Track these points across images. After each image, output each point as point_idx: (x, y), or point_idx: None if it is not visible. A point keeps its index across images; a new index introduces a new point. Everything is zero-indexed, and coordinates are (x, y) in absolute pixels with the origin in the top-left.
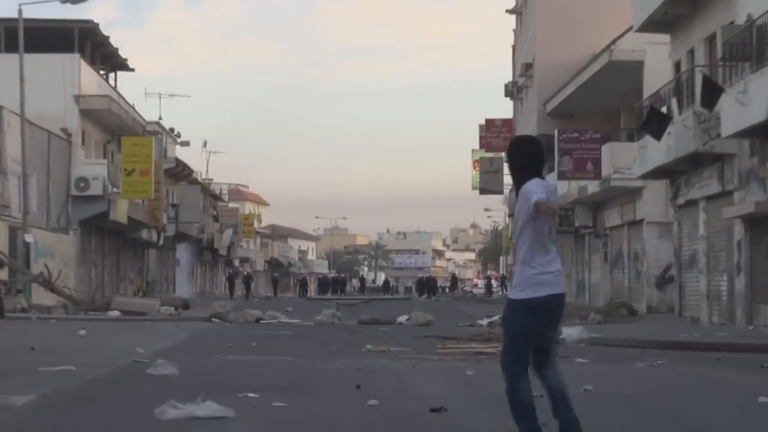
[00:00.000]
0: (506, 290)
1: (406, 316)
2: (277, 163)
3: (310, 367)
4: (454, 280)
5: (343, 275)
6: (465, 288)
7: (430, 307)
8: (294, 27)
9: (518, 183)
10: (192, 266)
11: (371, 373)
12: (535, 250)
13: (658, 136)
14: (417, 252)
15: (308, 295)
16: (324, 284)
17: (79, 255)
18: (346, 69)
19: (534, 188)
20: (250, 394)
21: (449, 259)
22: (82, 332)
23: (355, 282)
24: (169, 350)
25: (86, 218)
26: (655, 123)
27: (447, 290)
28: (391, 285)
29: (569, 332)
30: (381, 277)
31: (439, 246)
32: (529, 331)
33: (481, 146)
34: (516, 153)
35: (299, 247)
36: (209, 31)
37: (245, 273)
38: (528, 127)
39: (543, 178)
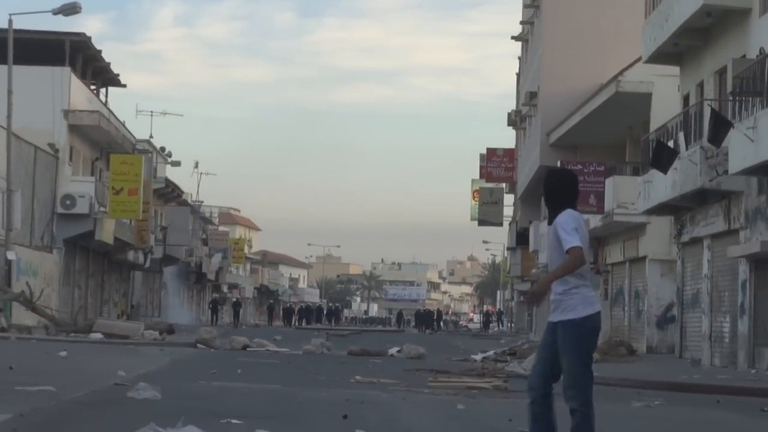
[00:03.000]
0: (503, 326)
1: (398, 348)
2: (269, 187)
3: (297, 395)
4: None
5: (337, 305)
6: (460, 322)
7: (422, 340)
8: (291, 48)
9: (552, 213)
10: (179, 290)
11: (359, 404)
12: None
13: (665, 170)
14: (412, 283)
15: (293, 324)
16: (307, 313)
17: (62, 275)
18: (344, 92)
19: (568, 226)
20: (234, 421)
21: (445, 292)
22: (63, 353)
23: (347, 312)
24: (151, 374)
25: (71, 237)
26: (664, 157)
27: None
28: (404, 318)
29: None
30: (374, 308)
31: (435, 278)
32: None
33: (482, 176)
34: (552, 183)
35: (290, 274)
36: (203, 50)
37: (234, 299)
38: (530, 158)
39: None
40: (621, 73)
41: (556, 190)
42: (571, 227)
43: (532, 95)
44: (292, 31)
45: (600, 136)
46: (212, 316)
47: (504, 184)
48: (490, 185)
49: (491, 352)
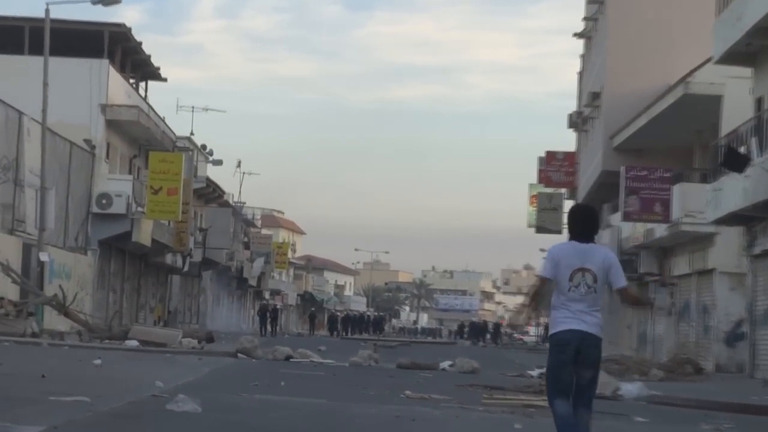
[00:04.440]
0: None
1: (450, 362)
2: (315, 189)
3: (344, 411)
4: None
5: (381, 314)
6: (515, 335)
7: (475, 353)
8: (338, 42)
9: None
10: (219, 296)
11: (410, 421)
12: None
13: (741, 170)
14: (464, 293)
15: (338, 333)
16: (352, 322)
17: (96, 278)
18: (393, 90)
19: (548, 255)
20: None
21: (499, 303)
22: (97, 361)
23: (395, 322)
24: (190, 385)
25: (107, 238)
26: (737, 160)
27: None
28: (465, 329)
29: (628, 388)
30: (423, 318)
31: (489, 287)
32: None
33: (540, 180)
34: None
35: (336, 281)
36: (245, 43)
37: (273, 306)
38: (592, 162)
39: (584, 241)
40: (690, 73)
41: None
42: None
43: (595, 96)
44: (340, 25)
45: (667, 140)
46: (261, 326)
47: (564, 190)
48: (549, 190)
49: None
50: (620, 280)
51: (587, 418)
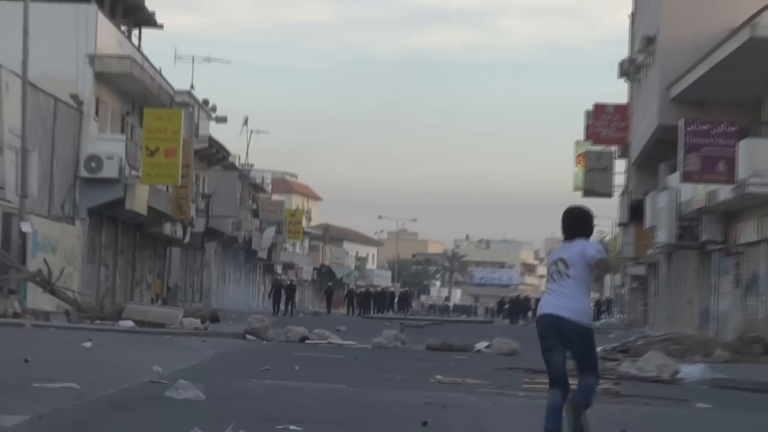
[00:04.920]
0: (611, 317)
1: (486, 343)
2: (332, 149)
3: (367, 397)
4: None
5: (407, 289)
6: None
7: (515, 333)
8: None
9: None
10: (224, 270)
11: (441, 408)
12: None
13: None
14: (502, 265)
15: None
16: (366, 299)
17: (86, 251)
18: (420, 36)
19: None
20: (292, 427)
21: (542, 276)
22: (87, 344)
23: (424, 298)
24: (193, 370)
25: (97, 206)
26: None
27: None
28: (504, 305)
29: (689, 371)
30: (456, 294)
31: (530, 259)
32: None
33: (587, 137)
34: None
35: (357, 253)
36: None
37: (288, 282)
38: (647, 116)
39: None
40: (757, 14)
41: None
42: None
43: (650, 41)
44: None
45: (731, 90)
46: (275, 304)
47: (614, 147)
48: (597, 148)
49: (599, 349)
50: (593, 254)
51: (591, 382)
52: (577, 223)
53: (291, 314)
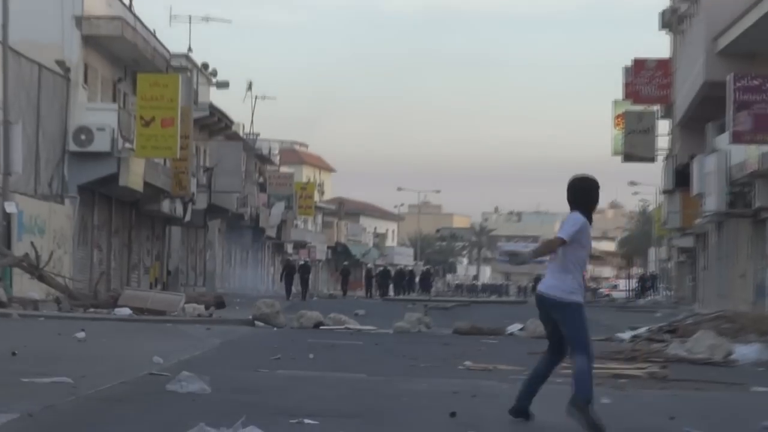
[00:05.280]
0: (657, 294)
1: (519, 326)
2: (346, 116)
3: (388, 387)
4: None
5: (428, 267)
6: (600, 289)
7: None
8: None
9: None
10: (229, 251)
11: (471, 398)
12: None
13: None
14: (535, 239)
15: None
16: (384, 279)
17: (77, 232)
18: None
19: (569, 223)
20: (307, 420)
21: None
22: (81, 335)
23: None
24: (197, 360)
25: (88, 183)
26: None
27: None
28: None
29: (743, 352)
30: (486, 273)
31: None
32: None
33: (627, 96)
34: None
35: (375, 229)
36: None
37: (301, 262)
38: (692, 71)
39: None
40: None
41: (580, 196)
42: (570, 225)
43: None
44: None
45: None
46: (287, 288)
47: (657, 107)
48: (637, 108)
49: (643, 329)
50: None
51: (580, 364)
52: (569, 195)
53: (305, 297)
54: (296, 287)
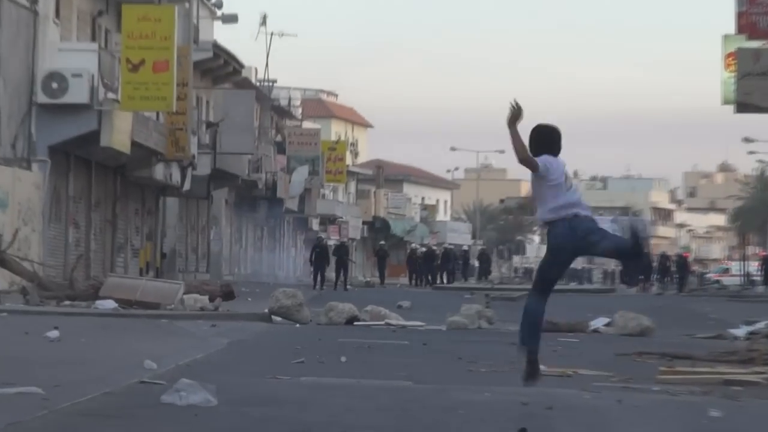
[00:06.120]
0: None
1: (606, 320)
2: (385, 58)
3: (440, 398)
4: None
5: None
6: (707, 274)
7: (645, 304)
8: None
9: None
10: (239, 228)
11: (545, 410)
12: None
13: None
14: (625, 211)
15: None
16: (428, 262)
17: (48, 205)
18: None
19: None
20: None
21: (681, 225)
22: (54, 334)
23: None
24: (199, 365)
25: (61, 143)
26: None
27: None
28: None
29: None
30: None
31: (664, 202)
32: None
33: (740, 29)
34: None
35: (423, 200)
36: None
37: (339, 243)
38: None
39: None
40: None
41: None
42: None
43: None
44: None
45: None
46: (315, 274)
47: None
48: (754, 45)
49: (763, 324)
50: None
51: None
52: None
53: (345, 287)
54: (333, 274)
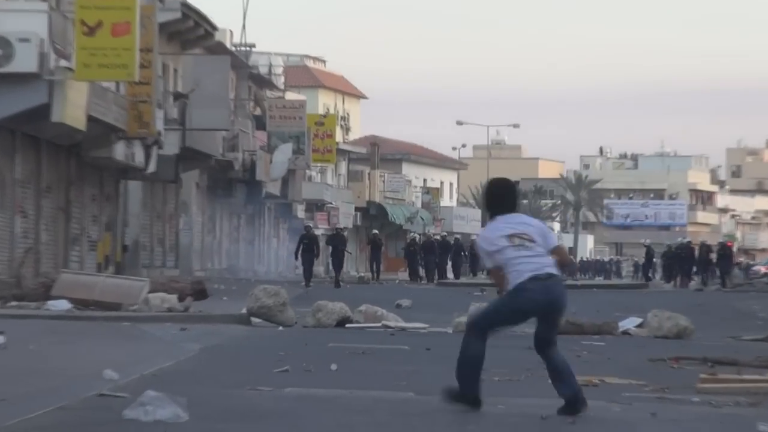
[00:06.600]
0: None
1: (637, 320)
2: (380, 19)
3: (447, 411)
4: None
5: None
6: (755, 267)
7: (682, 302)
8: None
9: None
10: (212, 216)
11: (568, 425)
12: None
13: None
14: (660, 194)
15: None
16: (428, 252)
17: None
18: None
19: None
20: None
21: (723, 210)
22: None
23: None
24: (168, 375)
25: (5, 119)
26: None
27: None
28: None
29: None
30: (587, 242)
31: (704, 183)
32: None
33: None
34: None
35: (425, 182)
36: None
37: (335, 231)
38: None
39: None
40: None
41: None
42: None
43: None
44: None
45: None
46: (306, 269)
47: None
48: None
49: None
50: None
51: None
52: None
53: (338, 283)
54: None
